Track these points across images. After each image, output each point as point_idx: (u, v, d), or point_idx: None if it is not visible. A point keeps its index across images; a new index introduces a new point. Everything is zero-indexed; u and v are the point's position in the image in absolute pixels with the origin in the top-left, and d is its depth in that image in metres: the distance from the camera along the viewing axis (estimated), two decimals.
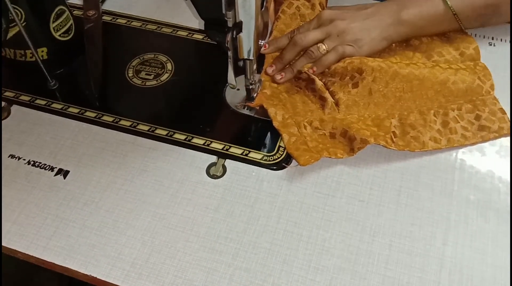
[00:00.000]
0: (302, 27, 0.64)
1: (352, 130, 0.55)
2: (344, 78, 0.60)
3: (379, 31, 0.61)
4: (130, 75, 0.66)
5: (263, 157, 0.56)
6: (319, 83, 0.59)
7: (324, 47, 0.61)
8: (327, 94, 0.59)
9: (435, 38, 0.65)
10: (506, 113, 0.58)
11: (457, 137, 0.56)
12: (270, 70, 0.62)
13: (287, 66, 0.63)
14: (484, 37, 0.67)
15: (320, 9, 0.68)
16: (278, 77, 0.61)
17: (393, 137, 0.56)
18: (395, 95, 0.59)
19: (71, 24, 0.66)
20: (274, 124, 0.57)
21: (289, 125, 0.57)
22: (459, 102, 0.58)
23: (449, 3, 0.60)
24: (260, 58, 0.65)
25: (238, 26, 0.51)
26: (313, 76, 0.60)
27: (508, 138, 0.57)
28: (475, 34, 0.67)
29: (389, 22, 0.61)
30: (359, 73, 0.59)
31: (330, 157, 0.55)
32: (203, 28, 0.56)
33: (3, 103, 0.63)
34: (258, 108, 0.60)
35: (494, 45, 0.66)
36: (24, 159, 0.57)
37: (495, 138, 0.57)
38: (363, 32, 0.61)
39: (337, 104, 0.59)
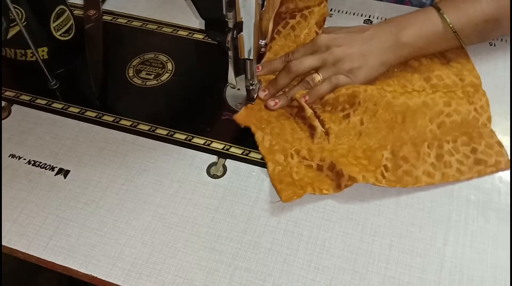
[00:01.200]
0: (297, 52, 0.62)
1: (340, 165, 0.52)
2: (335, 109, 0.58)
3: (377, 57, 0.59)
4: (130, 74, 0.66)
5: (263, 157, 0.56)
6: (308, 111, 0.57)
7: (319, 77, 0.59)
8: (316, 123, 0.56)
9: (435, 60, 0.63)
10: (503, 146, 0.55)
11: (452, 172, 0.53)
12: (262, 95, 0.60)
13: (281, 92, 0.61)
14: None
15: (317, 29, 0.66)
16: (271, 103, 0.59)
17: (384, 171, 0.53)
18: (387, 125, 0.57)
19: (72, 24, 0.66)
20: (260, 150, 0.55)
21: (276, 152, 0.55)
22: (454, 134, 0.56)
23: (448, 20, 0.58)
24: (260, 59, 0.65)
25: (239, 26, 0.51)
26: (304, 104, 0.57)
27: (508, 138, 0.57)
28: None
29: (388, 46, 0.59)
30: (350, 105, 0.57)
31: (314, 194, 0.52)
32: (203, 28, 0.55)
33: (3, 103, 0.63)
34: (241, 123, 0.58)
35: (494, 45, 0.66)
36: (25, 159, 0.57)
37: (492, 172, 0.54)
38: (360, 59, 0.59)
39: (327, 133, 0.57)
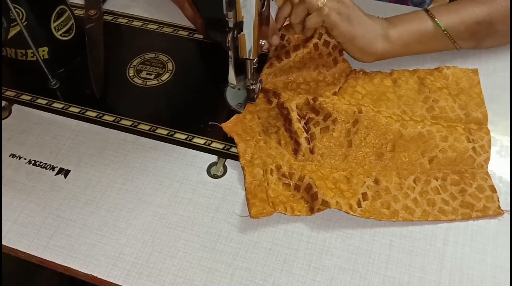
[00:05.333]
0: None
1: (316, 188, 0.50)
2: (325, 120, 0.55)
3: (371, 33, 0.59)
4: (131, 74, 0.66)
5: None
6: (295, 125, 0.55)
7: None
8: (302, 139, 0.54)
9: (444, 91, 0.59)
10: (496, 192, 0.52)
11: (434, 211, 0.51)
12: (275, 40, 0.60)
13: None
14: None
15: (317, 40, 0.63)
16: (275, 41, 0.60)
17: (361, 200, 0.51)
18: (376, 152, 0.54)
19: (72, 24, 0.66)
20: (240, 161, 0.54)
21: (256, 166, 0.54)
22: (445, 171, 0.53)
23: (436, 19, 0.59)
24: (261, 58, 0.65)
25: (239, 26, 0.51)
26: (293, 116, 0.55)
27: (508, 138, 0.57)
28: None
29: (378, 34, 0.59)
30: (342, 121, 0.55)
31: (285, 214, 0.51)
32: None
33: (4, 103, 0.63)
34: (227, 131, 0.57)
35: None
36: (25, 159, 0.57)
37: (478, 218, 0.51)
38: (360, 18, 0.58)
39: (312, 151, 0.55)
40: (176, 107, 0.63)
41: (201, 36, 0.70)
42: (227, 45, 0.52)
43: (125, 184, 0.55)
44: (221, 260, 0.49)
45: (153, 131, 0.59)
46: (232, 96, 0.62)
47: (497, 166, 0.55)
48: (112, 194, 0.54)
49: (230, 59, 0.54)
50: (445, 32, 0.59)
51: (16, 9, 0.59)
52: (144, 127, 0.60)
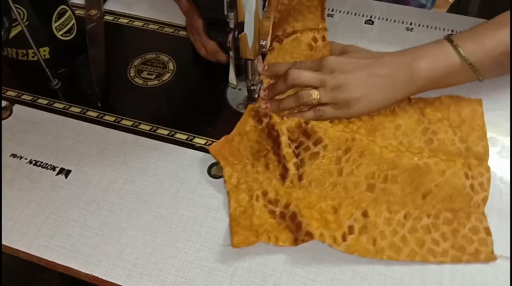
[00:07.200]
0: (304, 63, 0.60)
1: (301, 217, 0.48)
2: (317, 144, 0.53)
3: (383, 91, 0.56)
4: (132, 74, 0.66)
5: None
6: (284, 150, 0.53)
7: (315, 95, 0.56)
8: (290, 164, 0.52)
9: (445, 122, 0.56)
10: (491, 235, 0.48)
11: (422, 251, 0.48)
12: (263, 94, 0.60)
13: (277, 98, 0.60)
14: None
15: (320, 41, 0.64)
16: (263, 105, 0.59)
17: (347, 233, 0.48)
18: (367, 183, 0.52)
19: (73, 24, 0.66)
20: (225, 186, 0.53)
21: (241, 191, 0.52)
22: (438, 208, 0.50)
23: (462, 52, 0.54)
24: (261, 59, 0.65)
25: (240, 26, 0.51)
26: (283, 140, 0.53)
27: (508, 138, 0.57)
28: None
29: (399, 83, 0.55)
30: (333, 149, 0.53)
31: (268, 243, 0.49)
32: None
33: (5, 103, 0.63)
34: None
35: None
36: (26, 159, 0.57)
37: (468, 262, 0.48)
38: (362, 90, 0.55)
39: (300, 178, 0.52)
40: (177, 107, 0.63)
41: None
42: (228, 45, 0.52)
43: (126, 184, 0.55)
44: (222, 260, 0.49)
45: (154, 131, 0.59)
46: (233, 96, 0.62)
47: (498, 167, 0.55)
48: (113, 194, 0.54)
49: (231, 59, 0.54)
50: (471, 65, 0.55)
51: (18, 9, 0.59)
52: (145, 127, 0.60)
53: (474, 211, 0.50)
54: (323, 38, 0.64)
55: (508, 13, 0.56)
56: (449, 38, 0.56)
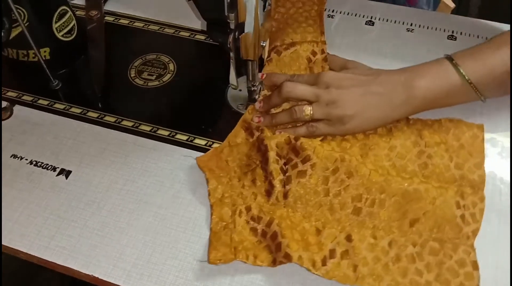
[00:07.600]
0: (300, 77, 0.59)
1: (281, 238, 0.47)
2: (305, 162, 0.51)
3: (379, 110, 0.54)
4: (132, 75, 0.66)
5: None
6: (272, 166, 0.52)
7: (308, 111, 0.55)
8: (276, 181, 0.51)
9: (442, 146, 0.54)
10: (478, 269, 0.46)
11: (405, 281, 0.45)
12: (257, 106, 0.58)
13: (273, 111, 0.59)
14: (482, 38, 0.67)
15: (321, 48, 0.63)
16: (256, 119, 0.57)
17: (328, 257, 0.47)
18: (353, 205, 0.50)
19: (74, 25, 0.66)
20: (209, 199, 0.52)
21: (224, 205, 0.51)
22: (425, 238, 0.48)
23: (463, 72, 0.53)
24: (261, 60, 0.65)
25: (240, 27, 0.51)
26: (271, 155, 0.52)
27: (508, 138, 0.57)
28: (468, 34, 0.67)
29: (397, 102, 0.54)
30: (321, 169, 0.51)
31: (245, 262, 0.47)
32: (205, 29, 0.56)
33: (6, 103, 0.63)
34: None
35: None
36: (26, 159, 0.57)
37: None
38: (356, 108, 0.54)
39: (285, 196, 0.51)
40: (177, 108, 0.63)
41: (203, 37, 0.70)
42: (229, 46, 0.52)
43: (126, 185, 0.55)
44: None
45: (154, 132, 0.59)
46: (234, 97, 0.62)
47: (498, 167, 0.55)
48: (113, 195, 0.54)
49: (231, 60, 0.54)
50: (472, 85, 0.53)
51: (18, 10, 0.59)
52: (145, 128, 0.60)
53: (462, 242, 0.48)
54: (322, 51, 0.64)
55: (509, 32, 0.55)
56: (449, 57, 0.55)
